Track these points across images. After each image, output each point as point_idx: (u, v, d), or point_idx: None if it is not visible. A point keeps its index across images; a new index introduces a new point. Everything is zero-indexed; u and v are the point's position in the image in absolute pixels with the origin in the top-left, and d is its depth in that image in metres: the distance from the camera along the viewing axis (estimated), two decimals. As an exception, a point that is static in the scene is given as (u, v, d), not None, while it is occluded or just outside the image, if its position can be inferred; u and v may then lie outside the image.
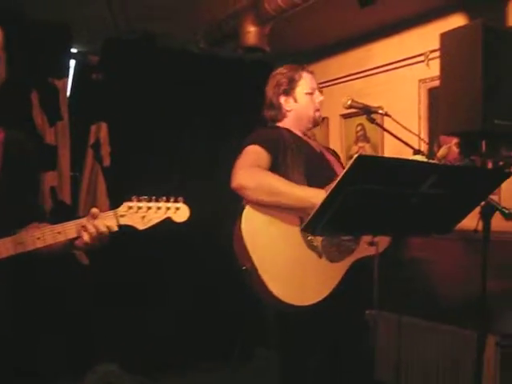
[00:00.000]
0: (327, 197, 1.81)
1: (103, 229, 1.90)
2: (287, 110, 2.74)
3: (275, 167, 2.51)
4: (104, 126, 4.44)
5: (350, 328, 2.58)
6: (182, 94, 4.67)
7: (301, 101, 2.72)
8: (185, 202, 2.00)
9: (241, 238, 2.37)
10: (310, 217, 1.90)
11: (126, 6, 4.12)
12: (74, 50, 4.58)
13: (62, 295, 4.11)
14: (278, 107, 2.74)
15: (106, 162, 4.43)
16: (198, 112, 4.75)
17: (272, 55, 4.43)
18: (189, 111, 4.71)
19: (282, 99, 2.73)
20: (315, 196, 2.26)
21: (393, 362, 3.83)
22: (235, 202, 2.51)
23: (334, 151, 3.01)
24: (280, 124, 2.76)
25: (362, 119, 4.56)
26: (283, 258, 2.39)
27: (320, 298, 2.38)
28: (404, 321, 3.87)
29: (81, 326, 4.11)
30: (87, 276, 4.08)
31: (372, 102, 4.30)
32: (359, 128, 4.79)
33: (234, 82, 4.91)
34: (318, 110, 2.73)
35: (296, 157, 2.56)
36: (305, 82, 2.72)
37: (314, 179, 2.47)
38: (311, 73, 2.79)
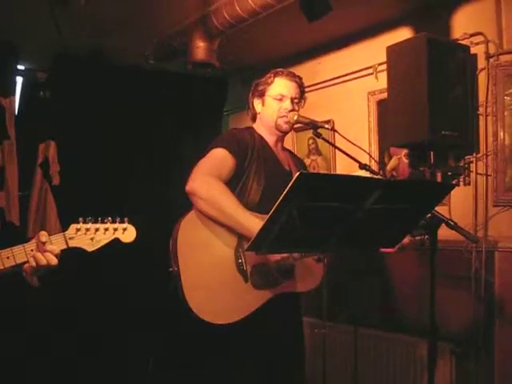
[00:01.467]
0: (271, 214, 1.89)
1: (50, 250, 1.93)
2: (257, 112, 2.86)
3: (237, 172, 2.62)
4: (52, 145, 4.44)
5: (276, 350, 2.64)
6: (133, 110, 4.69)
7: (267, 105, 2.81)
8: (131, 223, 2.06)
9: (175, 240, 2.47)
10: (255, 235, 1.98)
11: (74, 22, 4.15)
12: (21, 67, 4.57)
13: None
14: (252, 108, 2.87)
15: (56, 180, 4.42)
16: (149, 129, 4.78)
17: (226, 70, 4.53)
18: (139, 128, 4.74)
19: (255, 101, 2.85)
20: (253, 228, 2.30)
21: (350, 373, 3.96)
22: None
23: (303, 163, 3.12)
24: (254, 125, 2.88)
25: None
26: (208, 273, 2.48)
27: (232, 320, 2.45)
28: (360, 331, 3.98)
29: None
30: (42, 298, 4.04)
31: (324, 115, 4.49)
32: (311, 141, 4.91)
33: (185, 97, 4.96)
34: (282, 117, 2.78)
35: (259, 167, 2.67)
36: (274, 88, 2.80)
37: (269, 193, 2.56)
38: (293, 80, 2.83)
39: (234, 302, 2.49)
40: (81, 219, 2.03)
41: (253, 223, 2.38)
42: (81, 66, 4.60)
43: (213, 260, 2.50)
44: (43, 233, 1.96)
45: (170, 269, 2.48)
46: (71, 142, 4.47)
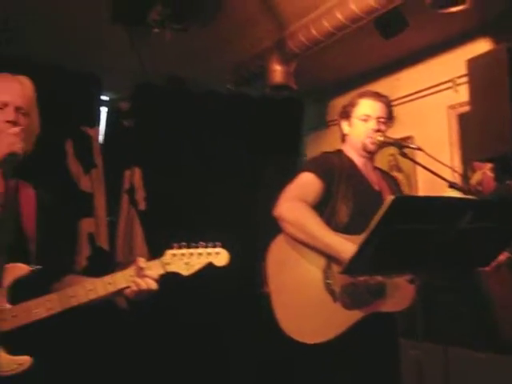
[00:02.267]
0: (366, 237, 1.91)
1: (152, 275, 2.02)
2: (345, 134, 2.89)
3: (325, 195, 2.66)
4: (138, 171, 4.63)
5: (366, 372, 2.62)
6: (213, 135, 4.83)
7: (353, 126, 2.84)
8: (223, 247, 2.13)
9: (266, 262, 2.56)
10: (350, 258, 2.01)
11: (154, 53, 4.33)
12: (105, 98, 4.81)
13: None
14: (340, 130, 2.91)
15: (141, 206, 4.61)
16: (230, 153, 4.89)
17: (300, 91, 4.59)
18: (221, 152, 4.86)
19: (342, 123, 2.89)
20: (343, 250, 2.37)
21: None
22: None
23: (396, 182, 3.11)
24: (343, 147, 2.91)
25: (394, 149, 4.63)
26: (298, 293, 2.53)
27: (322, 340, 2.47)
28: (454, 352, 3.85)
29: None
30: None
31: (403, 131, 4.46)
32: (391, 158, 4.88)
33: (263, 120, 5.06)
34: (368, 138, 2.79)
35: (347, 189, 2.69)
36: (359, 109, 2.82)
37: (358, 214, 2.59)
38: (378, 100, 2.84)
39: (324, 321, 2.51)
40: (175, 245, 2.11)
41: (341, 245, 2.42)
42: (162, 94, 4.80)
43: (301, 280, 2.55)
44: (141, 259, 2.05)
45: (262, 290, 2.54)
46: (156, 169, 4.64)
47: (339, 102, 5.32)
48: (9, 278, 1.95)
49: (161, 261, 2.08)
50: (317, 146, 5.38)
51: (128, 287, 2.04)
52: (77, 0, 3.69)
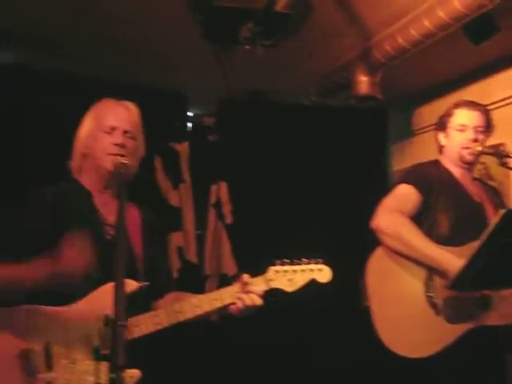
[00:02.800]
0: (476, 252, 1.88)
1: (257, 292, 2.06)
2: (442, 145, 2.87)
3: (424, 206, 2.64)
4: (224, 185, 4.71)
5: None
6: (297, 147, 4.85)
7: (450, 137, 2.82)
8: (325, 263, 2.15)
9: (365, 276, 2.58)
10: (458, 273, 1.98)
11: (237, 68, 4.41)
12: (191, 114, 4.94)
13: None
14: (437, 141, 2.90)
15: (228, 219, 4.68)
16: (317, 164, 4.88)
17: (385, 100, 4.54)
18: (305, 165, 4.86)
19: (439, 134, 2.88)
20: (446, 262, 2.37)
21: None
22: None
23: (497, 192, 3.02)
24: (440, 158, 2.88)
25: (484, 158, 4.51)
26: (398, 306, 2.53)
27: (426, 355, 2.44)
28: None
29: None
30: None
31: (494, 138, 4.33)
32: (481, 167, 4.74)
33: (349, 131, 5.03)
34: (465, 148, 2.76)
35: (446, 201, 2.66)
36: (455, 119, 2.81)
37: (459, 226, 2.57)
38: (474, 110, 2.82)
39: (427, 335, 2.48)
40: (278, 261, 2.14)
41: (444, 257, 2.40)
42: (246, 108, 4.88)
43: (402, 293, 2.55)
44: (246, 275, 2.10)
45: (362, 305, 2.54)
46: (242, 182, 4.71)
47: (426, 111, 5.28)
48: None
49: (264, 277, 2.12)
50: (403, 155, 5.31)
51: (233, 303, 2.09)
52: (165, 20, 3.81)
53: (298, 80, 4.69)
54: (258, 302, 2.07)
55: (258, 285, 2.10)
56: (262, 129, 4.83)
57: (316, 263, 2.13)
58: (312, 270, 2.12)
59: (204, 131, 4.86)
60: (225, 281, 4.53)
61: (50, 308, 2.05)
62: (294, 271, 2.12)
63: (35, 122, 4.08)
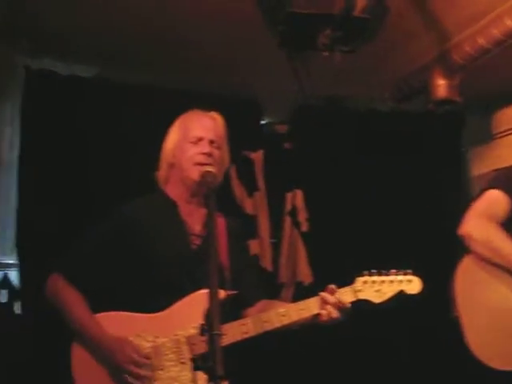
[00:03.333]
0: None
1: (344, 302, 2.06)
2: None
3: None
4: (299, 193, 4.70)
5: None
6: (374, 154, 4.78)
7: None
8: (414, 274, 2.12)
9: (453, 285, 2.54)
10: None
11: (312, 74, 4.40)
12: (264, 122, 4.96)
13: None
14: None
15: (304, 227, 4.66)
16: (394, 171, 4.79)
17: (462, 103, 4.44)
18: (383, 171, 4.78)
19: None
20: None
21: None
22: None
23: None
24: None
25: None
26: (489, 316, 2.47)
27: None
28: None
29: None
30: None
31: None
32: None
33: (422, 136, 4.93)
34: None
35: None
36: None
37: None
38: None
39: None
40: (366, 272, 2.13)
41: None
42: (321, 115, 4.85)
43: (493, 303, 2.49)
44: (333, 286, 2.10)
45: (453, 314, 2.49)
46: (317, 190, 4.68)
47: (506, 113, 5.12)
48: (206, 303, 2.07)
49: (352, 288, 2.12)
50: (482, 160, 5.16)
51: (320, 313, 2.10)
52: (238, 28, 3.86)
53: (374, 85, 4.63)
54: (345, 313, 2.07)
55: (346, 295, 2.10)
56: (338, 135, 4.80)
57: (405, 274, 2.11)
58: (401, 282, 2.10)
59: (279, 139, 4.87)
60: (300, 289, 4.54)
61: (139, 315, 2.12)
62: (382, 282, 2.11)
63: (117, 135, 4.21)
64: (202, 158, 2.27)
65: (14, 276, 4.05)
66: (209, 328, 1.54)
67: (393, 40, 4.01)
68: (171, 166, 2.38)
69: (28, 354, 3.69)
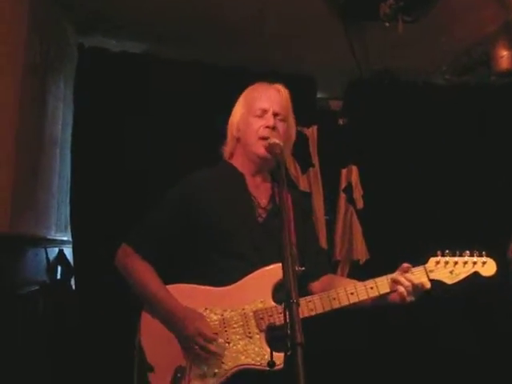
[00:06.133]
0: None
1: (417, 282, 2.03)
2: None
3: None
4: (354, 169, 4.69)
5: None
6: (431, 129, 4.72)
7: None
8: (489, 256, 2.08)
9: None
10: None
11: (367, 47, 4.33)
12: (319, 97, 4.91)
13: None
14: None
15: (359, 204, 4.66)
16: (452, 147, 4.72)
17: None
18: (440, 147, 4.71)
19: None
20: None
21: None
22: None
23: None
24: None
25: None
26: None
27: None
28: None
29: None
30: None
31: None
32: None
33: (485, 109, 4.82)
34: None
35: None
36: None
37: None
38: None
39: None
40: (439, 252, 2.10)
41: None
42: (375, 89, 4.80)
43: None
44: (406, 265, 2.08)
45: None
46: (372, 166, 4.66)
47: None
48: (274, 278, 2.08)
49: (424, 268, 2.09)
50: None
51: (391, 292, 2.08)
52: (293, 1, 3.81)
53: (431, 57, 4.54)
54: (416, 294, 2.05)
55: (418, 275, 2.08)
56: (393, 110, 4.74)
57: (479, 255, 2.08)
58: (475, 263, 2.07)
59: (333, 114, 4.86)
60: (356, 267, 4.53)
61: (208, 288, 2.16)
62: (456, 263, 2.08)
63: (169, 112, 4.25)
64: (266, 132, 2.25)
65: (69, 253, 4.13)
66: (286, 297, 1.53)
67: (454, 10, 3.89)
68: (237, 140, 2.37)
69: (85, 330, 3.78)
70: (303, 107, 4.53)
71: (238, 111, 2.39)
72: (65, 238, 4.21)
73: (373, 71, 4.72)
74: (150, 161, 4.13)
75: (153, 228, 2.29)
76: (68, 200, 4.12)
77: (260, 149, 2.25)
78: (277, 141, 2.19)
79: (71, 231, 4.06)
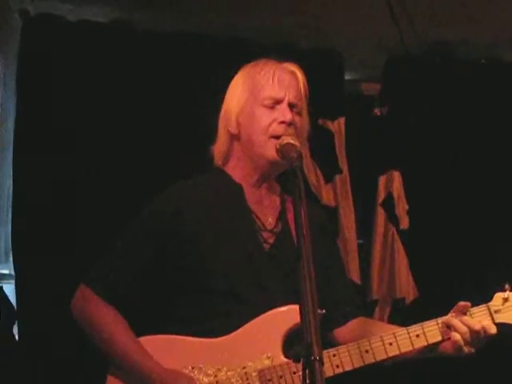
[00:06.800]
0: None
1: (477, 327, 2.01)
2: None
3: None
4: (397, 176, 4.65)
5: None
6: (500, 122, 4.70)
7: None
8: None
9: None
10: None
11: (414, 13, 4.32)
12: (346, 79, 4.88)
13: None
14: None
15: (404, 223, 4.61)
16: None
17: None
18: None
19: None
20: None
21: None
22: None
23: None
24: None
25: None
26: None
27: None
28: None
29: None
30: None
31: None
32: None
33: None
34: None
35: None
36: None
37: None
38: None
39: None
40: (507, 286, 2.08)
41: None
42: (425, 68, 4.79)
43: None
44: (463, 303, 2.06)
45: None
46: (421, 171, 4.63)
47: None
48: (286, 325, 2.08)
49: (488, 307, 2.08)
50: None
51: (443, 341, 2.06)
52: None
53: (496, 27, 4.53)
54: (479, 341, 2.03)
55: (479, 317, 2.06)
56: (447, 95, 4.72)
57: None
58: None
59: (367, 102, 4.85)
60: (400, 308, 4.50)
61: (195, 340, 2.16)
62: (531, 301, 2.06)
63: (145, 95, 4.27)
64: (281, 129, 2.23)
65: (10, 291, 4.11)
66: (305, 352, 1.46)
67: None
68: (235, 137, 2.34)
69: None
70: (326, 93, 4.58)
71: (237, 97, 2.35)
72: (5, 272, 4.20)
73: (421, 45, 4.69)
74: (120, 166, 4.15)
75: (120, 261, 2.29)
76: (9, 219, 4.12)
77: (271, 150, 2.22)
78: (292, 141, 2.17)
79: (13, 262, 4.05)
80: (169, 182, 2.41)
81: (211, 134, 2.43)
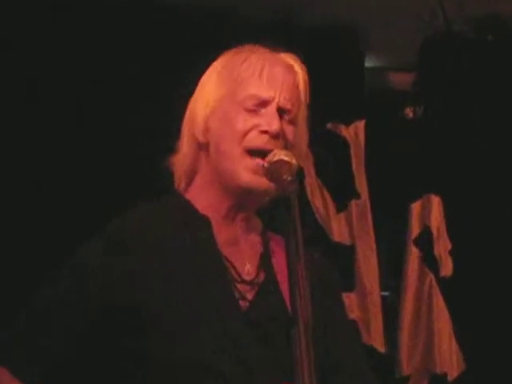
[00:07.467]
0: None
1: None
2: None
3: None
4: (436, 203, 4.63)
5: None
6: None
7: None
8: None
9: None
10: None
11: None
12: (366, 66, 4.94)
13: None
14: None
15: (446, 269, 4.58)
16: None
17: None
18: None
19: None
20: None
21: None
22: None
23: None
24: None
25: None
26: None
27: None
28: None
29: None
30: None
31: None
32: None
33: None
34: None
35: None
36: None
37: None
38: None
39: None
40: None
41: None
42: (472, 52, 4.75)
43: None
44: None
45: None
46: (470, 197, 4.61)
47: None
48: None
49: None
50: None
51: None
52: None
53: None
54: None
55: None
56: (506, 90, 4.72)
57: None
58: None
59: (396, 100, 4.85)
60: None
61: None
62: None
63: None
64: (261, 142, 2.14)
65: None
66: None
67: None
68: (202, 147, 2.27)
69: None
70: (339, 86, 4.58)
71: (210, 94, 2.28)
72: None
73: (467, 20, 4.68)
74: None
75: (46, 327, 2.22)
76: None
77: (244, 171, 2.14)
78: (285, 157, 2.08)
79: None
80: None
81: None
